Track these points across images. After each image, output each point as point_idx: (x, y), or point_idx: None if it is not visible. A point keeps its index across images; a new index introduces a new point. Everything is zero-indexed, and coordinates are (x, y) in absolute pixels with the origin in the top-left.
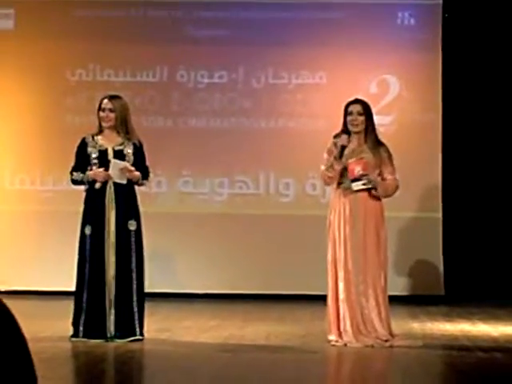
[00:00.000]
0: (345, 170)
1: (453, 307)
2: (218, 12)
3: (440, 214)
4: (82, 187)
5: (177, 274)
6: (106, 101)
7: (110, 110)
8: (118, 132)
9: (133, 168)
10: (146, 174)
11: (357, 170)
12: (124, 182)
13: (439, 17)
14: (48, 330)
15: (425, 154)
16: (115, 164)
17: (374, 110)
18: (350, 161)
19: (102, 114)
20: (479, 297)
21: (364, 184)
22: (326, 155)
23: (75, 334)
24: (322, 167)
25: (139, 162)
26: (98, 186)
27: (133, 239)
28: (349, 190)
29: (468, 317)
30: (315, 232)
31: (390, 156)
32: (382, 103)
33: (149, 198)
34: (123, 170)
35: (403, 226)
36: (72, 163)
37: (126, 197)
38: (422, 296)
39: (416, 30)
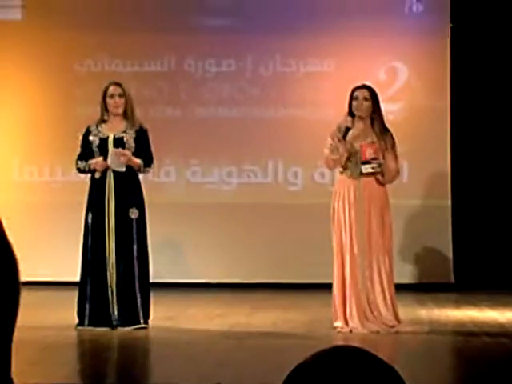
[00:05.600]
0: (351, 154)
1: (461, 295)
2: (225, 0)
3: (449, 201)
4: (88, 176)
5: (185, 263)
6: (113, 87)
7: (120, 96)
8: (125, 118)
9: (128, 153)
10: (149, 161)
11: (368, 152)
12: (123, 169)
13: (448, 3)
14: (54, 319)
15: (433, 140)
16: (113, 153)
17: (382, 98)
18: (363, 142)
19: (110, 100)
20: (489, 284)
21: (373, 168)
22: (329, 139)
23: (81, 323)
24: (326, 151)
25: (142, 148)
26: (97, 175)
27: (134, 227)
28: (353, 176)
29: (476, 303)
30: (323, 221)
31: (394, 144)
32: (391, 91)
33: (157, 188)
34: (122, 156)
35: (412, 213)
36: (78, 152)
37: (127, 185)
38: (432, 284)
39: (424, 16)
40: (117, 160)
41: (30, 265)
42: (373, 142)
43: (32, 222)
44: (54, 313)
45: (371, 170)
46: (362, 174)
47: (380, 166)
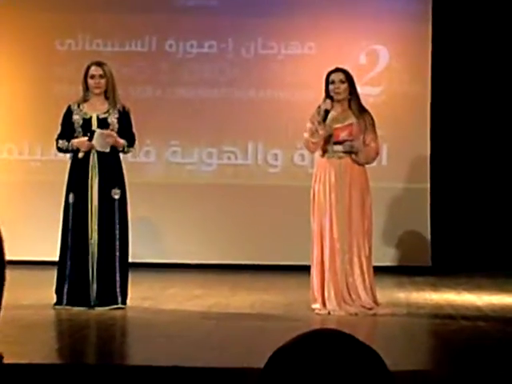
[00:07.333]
0: (330, 136)
1: (439, 278)
2: None
3: (428, 185)
4: (68, 155)
5: (164, 244)
6: (94, 67)
7: (101, 76)
8: (106, 98)
9: (115, 134)
10: (131, 141)
11: (342, 136)
12: (107, 150)
13: None
14: (31, 298)
15: (413, 124)
16: (99, 134)
17: (363, 81)
18: (336, 126)
19: (91, 81)
20: (466, 267)
21: (343, 147)
22: (309, 123)
23: (58, 302)
24: (305, 134)
25: (125, 128)
26: (80, 155)
27: (116, 208)
28: (334, 158)
29: (453, 287)
30: (303, 203)
31: (373, 123)
32: (371, 74)
33: (137, 168)
34: (107, 137)
35: (391, 196)
36: (58, 131)
37: (110, 165)
38: (409, 267)
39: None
40: (103, 141)
41: (7, 243)
42: (350, 124)
43: (11, 200)
44: (32, 292)
45: (341, 149)
46: (334, 152)
47: (352, 147)
